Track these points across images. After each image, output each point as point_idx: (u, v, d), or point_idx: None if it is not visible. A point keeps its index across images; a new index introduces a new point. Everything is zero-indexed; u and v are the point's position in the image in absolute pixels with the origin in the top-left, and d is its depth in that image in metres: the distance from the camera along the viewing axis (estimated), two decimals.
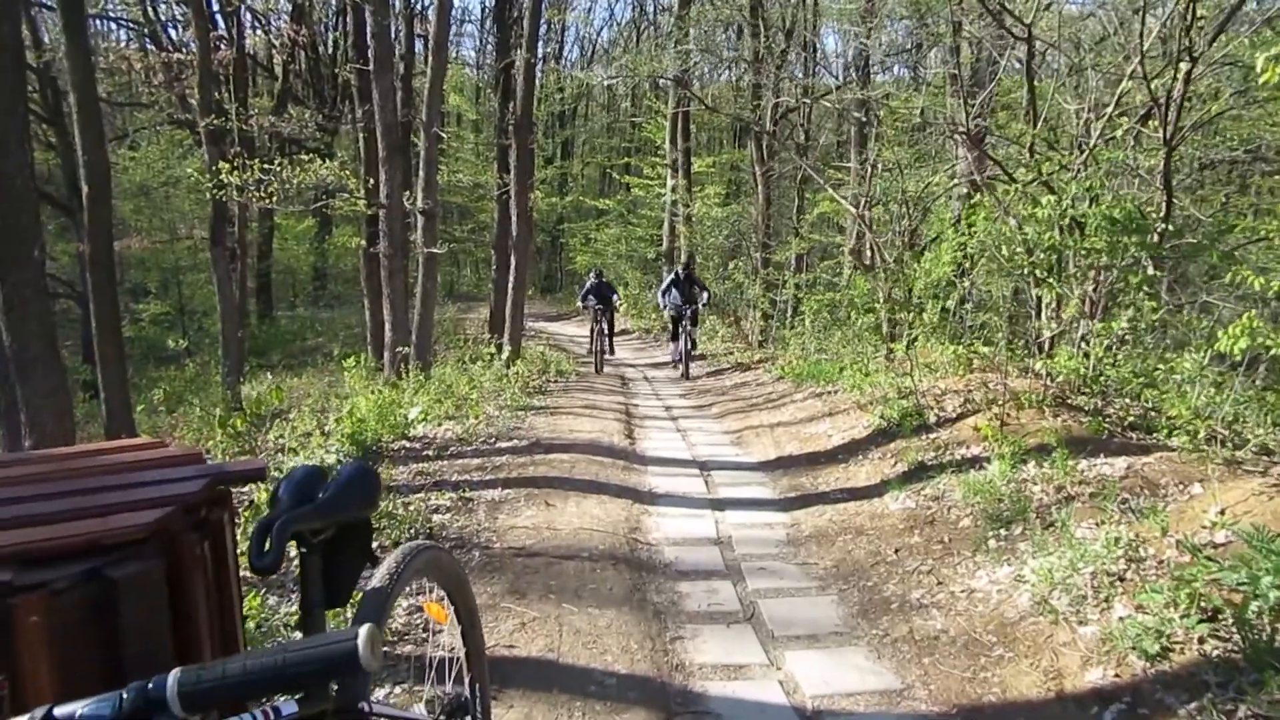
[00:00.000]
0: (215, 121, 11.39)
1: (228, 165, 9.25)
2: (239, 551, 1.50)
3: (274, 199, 10.28)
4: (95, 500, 1.32)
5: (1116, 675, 2.65)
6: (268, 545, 1.27)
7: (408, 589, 1.86)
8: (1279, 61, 2.74)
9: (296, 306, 25.35)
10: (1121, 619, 2.86)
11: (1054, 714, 2.61)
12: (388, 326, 10.77)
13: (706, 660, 3.08)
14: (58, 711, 0.75)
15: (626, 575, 3.81)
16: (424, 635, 3.00)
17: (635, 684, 2.89)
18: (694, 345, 11.98)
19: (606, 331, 12.79)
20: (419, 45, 19.28)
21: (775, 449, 6.18)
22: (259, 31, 22.59)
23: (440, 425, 7.16)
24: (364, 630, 0.77)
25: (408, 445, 6.45)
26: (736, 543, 4.32)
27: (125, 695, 0.75)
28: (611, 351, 13.12)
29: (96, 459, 1.56)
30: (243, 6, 17.29)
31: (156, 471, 1.45)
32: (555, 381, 10.69)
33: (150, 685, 0.76)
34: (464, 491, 4.91)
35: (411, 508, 4.52)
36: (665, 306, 12.25)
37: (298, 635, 2.42)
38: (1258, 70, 2.96)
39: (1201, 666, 2.53)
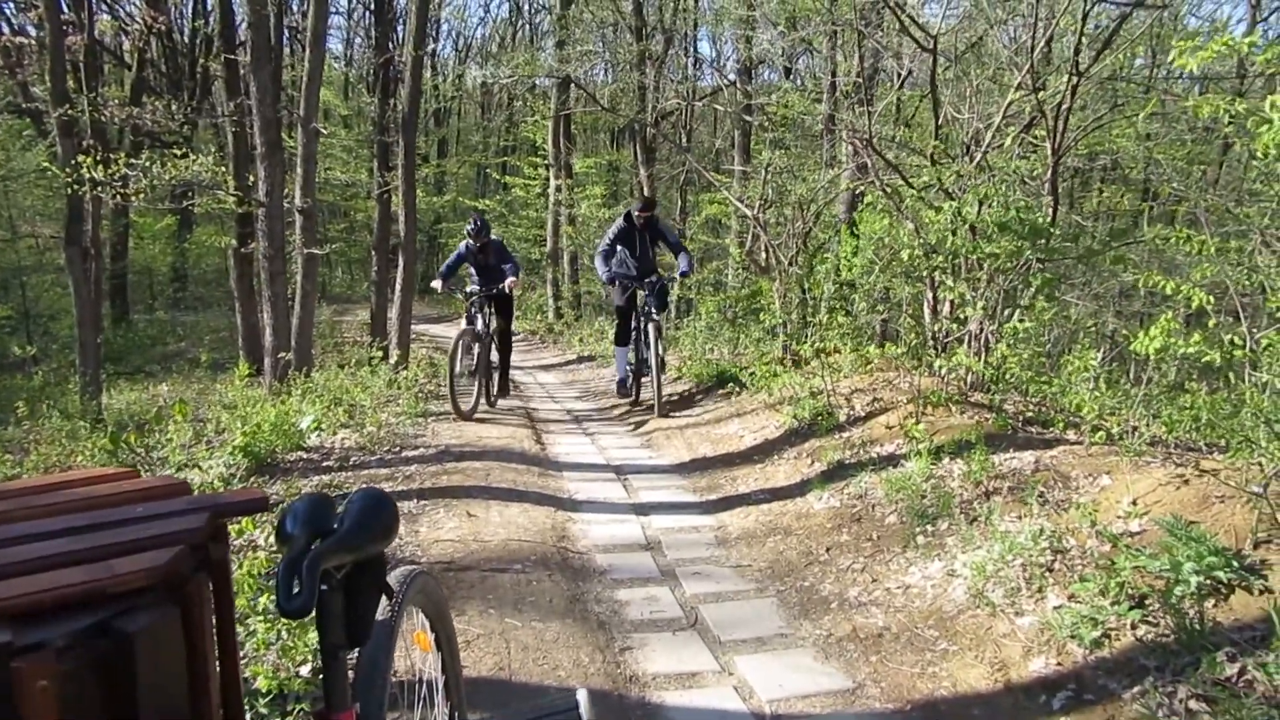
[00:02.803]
0: (70, 112, 10.55)
1: (89, 159, 8.58)
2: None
3: (140, 196, 9.63)
4: (90, 541, 1.17)
5: (1059, 664, 2.77)
6: (296, 586, 1.15)
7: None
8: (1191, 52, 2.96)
9: (155, 310, 23.85)
10: (1056, 608, 3.00)
11: (1005, 705, 2.70)
12: (268, 331, 10.25)
13: (659, 670, 3.05)
14: None
15: (564, 585, 3.74)
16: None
17: (593, 698, 2.82)
18: (663, 361, 7.57)
19: (491, 340, 7.74)
20: (287, 37, 18.50)
21: (688, 451, 6.21)
22: (108, 16, 21.09)
23: (336, 434, 6.87)
24: (582, 695, 0.70)
25: (305, 456, 6.15)
26: (666, 547, 4.31)
27: None
28: (503, 389, 8.21)
29: (70, 492, 1.39)
30: None
31: (147, 506, 1.30)
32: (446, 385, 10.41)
33: None
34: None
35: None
36: (608, 281, 7.83)
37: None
38: (1170, 59, 3.17)
39: (1138, 651, 2.68)
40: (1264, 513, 2.92)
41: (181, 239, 24.00)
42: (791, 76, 16.95)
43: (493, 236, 8.00)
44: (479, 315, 7.78)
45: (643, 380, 7.97)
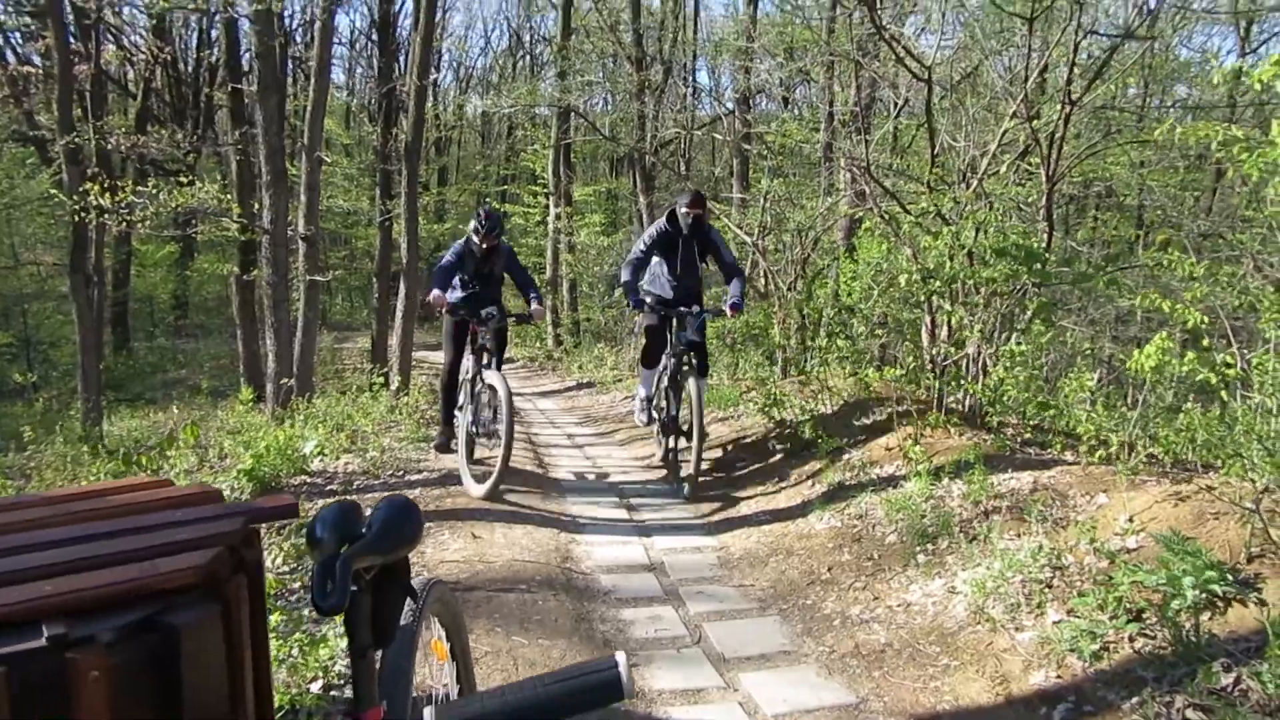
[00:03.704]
0: (77, 139, 10.69)
1: (97, 186, 8.70)
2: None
3: (145, 223, 9.75)
4: (133, 543, 1.23)
5: (1059, 676, 2.82)
6: (329, 586, 1.22)
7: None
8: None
9: (156, 337, 23.91)
10: (1056, 623, 3.04)
11: (1006, 718, 2.74)
12: (270, 357, 10.32)
13: (664, 686, 3.09)
14: None
15: (569, 605, 3.78)
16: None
17: (599, 713, 2.86)
18: (692, 412, 5.45)
19: (495, 387, 5.40)
20: (291, 67, 18.76)
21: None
22: (113, 47, 21.37)
23: (339, 459, 6.91)
24: (620, 657, 0.76)
25: (308, 480, 6.19)
26: (670, 568, 4.35)
27: None
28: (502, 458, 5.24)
29: (111, 499, 1.45)
30: (100, 21, 16.35)
31: (185, 511, 1.36)
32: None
33: None
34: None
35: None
36: (635, 304, 5.88)
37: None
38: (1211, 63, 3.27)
39: (1136, 663, 2.73)
40: (1257, 528, 2.98)
41: (183, 267, 24.13)
42: (789, 106, 17.19)
43: (500, 234, 6.01)
44: (474, 344, 5.86)
45: (676, 446, 5.99)
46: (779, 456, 5.98)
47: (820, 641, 3.45)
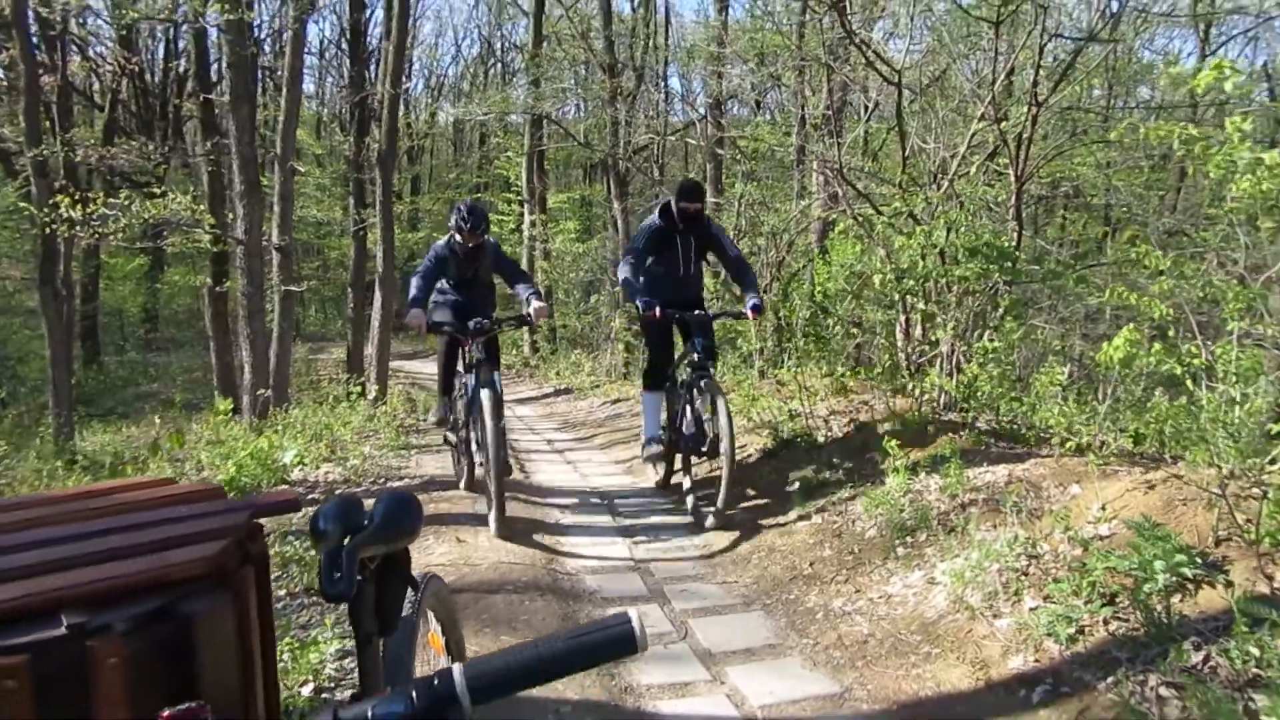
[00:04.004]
0: (44, 152, 10.59)
1: (67, 199, 8.63)
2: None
3: (118, 236, 9.67)
4: (145, 537, 1.26)
5: (1036, 660, 2.90)
6: (336, 574, 1.26)
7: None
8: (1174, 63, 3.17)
9: (127, 351, 23.63)
10: (1032, 609, 3.12)
11: (986, 701, 2.82)
12: (246, 368, 10.28)
13: (653, 681, 3.14)
14: (343, 714, 0.75)
15: (555, 605, 3.82)
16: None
17: (590, 709, 2.91)
18: (721, 432, 4.78)
19: (488, 412, 4.68)
20: (260, 76, 18.64)
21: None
22: (79, 58, 21.14)
23: (319, 468, 6.91)
24: (634, 613, 0.81)
25: (289, 489, 6.19)
26: (654, 567, 4.40)
27: (414, 694, 0.76)
28: (498, 509, 4.66)
29: (119, 496, 1.49)
30: (66, 32, 16.19)
31: (191, 507, 1.39)
32: (425, 420, 10.47)
33: (437, 682, 0.77)
34: None
35: (314, 553, 4.35)
36: (648, 302, 5.04)
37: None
38: (1162, 73, 3.37)
39: (1111, 645, 2.81)
40: (1223, 512, 3.08)
41: (153, 279, 23.88)
42: (761, 110, 17.33)
43: (484, 231, 5.32)
44: (468, 357, 5.21)
45: (688, 461, 5.27)
46: (758, 456, 6.04)
47: (804, 634, 3.51)
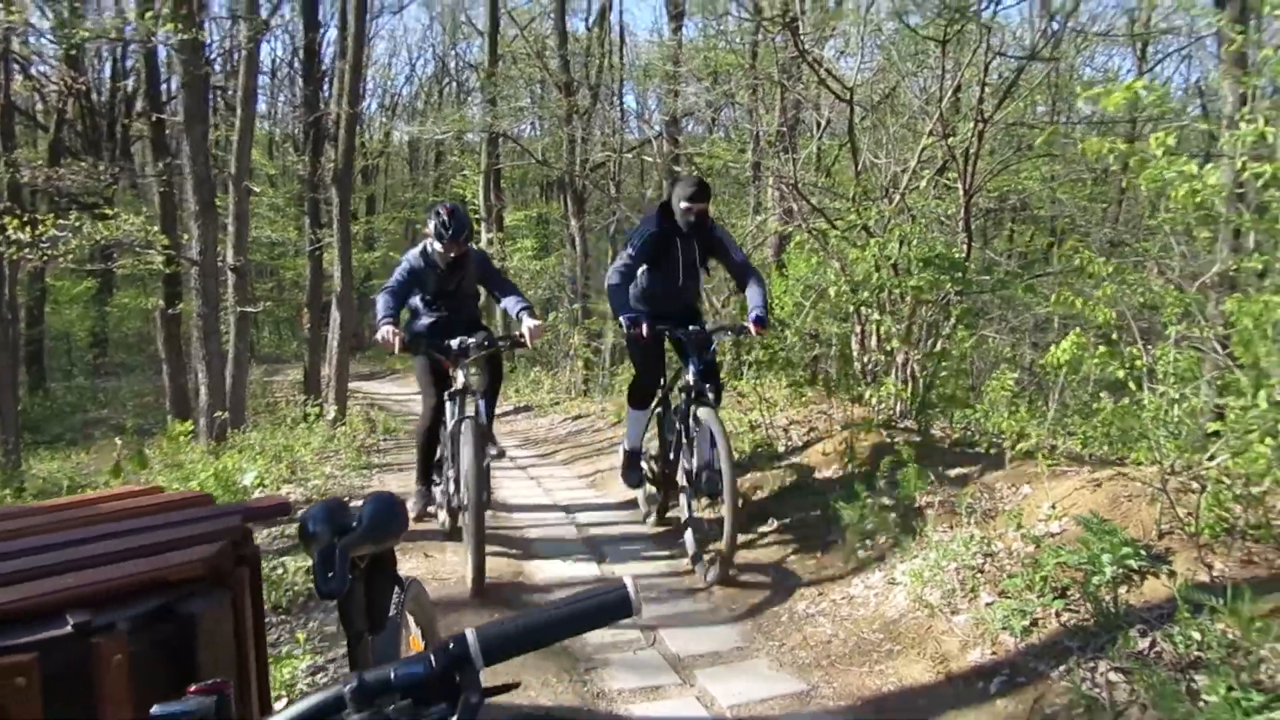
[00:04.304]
0: None
1: (15, 221, 8.48)
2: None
3: (67, 257, 9.53)
4: (144, 540, 1.30)
5: (994, 653, 3.01)
6: (330, 572, 1.31)
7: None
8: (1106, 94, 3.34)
9: (75, 376, 23.12)
10: (989, 605, 3.24)
11: (947, 694, 2.92)
12: (203, 390, 10.16)
13: (624, 686, 3.19)
14: (368, 675, 0.81)
15: None
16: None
17: (565, 714, 2.96)
18: (722, 472, 4.09)
19: (467, 444, 4.15)
20: (211, 96, 18.45)
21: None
22: (21, 77, 20.72)
23: (280, 489, 6.86)
24: (628, 580, 0.88)
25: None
26: (622, 575, 4.44)
27: (433, 656, 0.82)
28: (475, 566, 4.01)
29: (113, 504, 1.52)
30: (8, 51, 15.90)
31: (183, 512, 1.43)
32: (387, 440, 10.44)
33: (452, 645, 0.83)
34: None
35: (279, 571, 4.34)
36: (630, 325, 4.38)
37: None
38: (1075, 103, 3.54)
39: (1063, 635, 2.93)
40: (1166, 507, 3.23)
41: (102, 302, 23.42)
42: (715, 128, 17.56)
43: (473, 245, 4.91)
44: (450, 386, 4.57)
45: (686, 501, 4.58)
46: None
47: (770, 637, 3.59)
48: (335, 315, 12.02)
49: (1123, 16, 14.91)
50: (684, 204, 4.56)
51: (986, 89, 5.83)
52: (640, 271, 4.72)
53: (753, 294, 4.66)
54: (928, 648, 3.19)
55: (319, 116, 14.83)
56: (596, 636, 3.68)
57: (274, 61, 30.17)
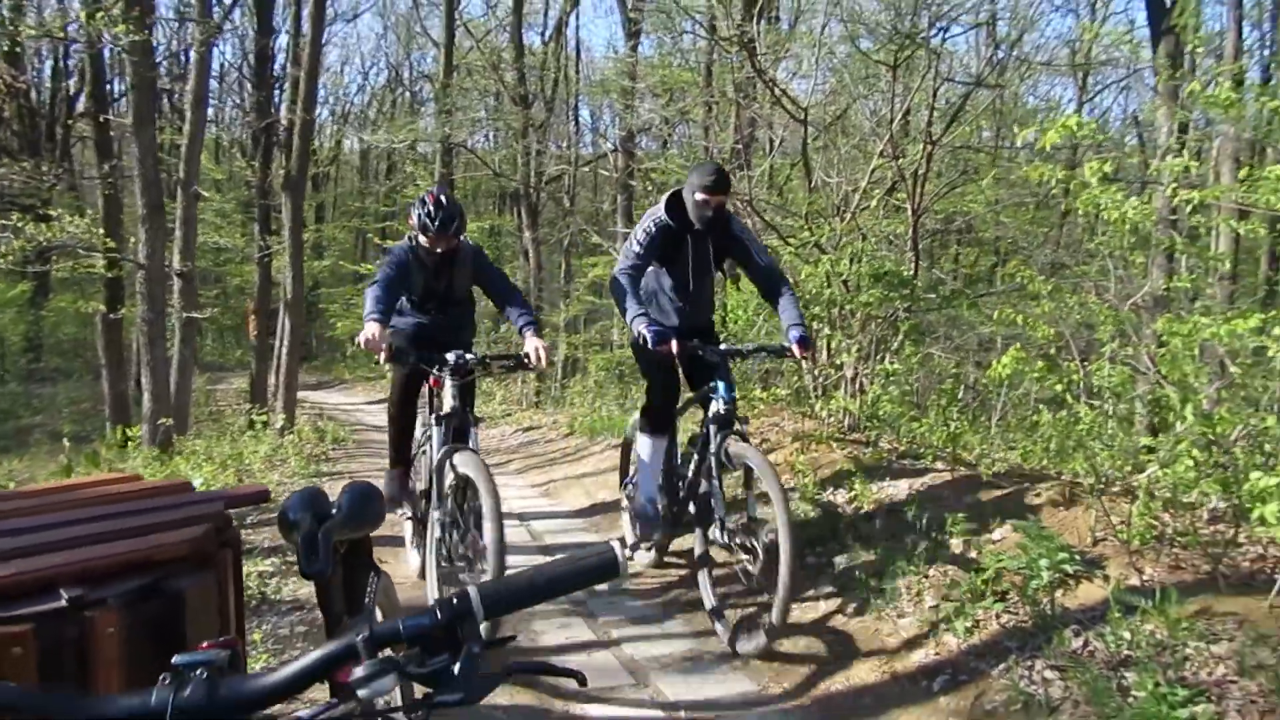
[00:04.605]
0: None
1: None
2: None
3: (6, 259, 9.31)
4: (132, 523, 1.33)
5: (937, 653, 3.13)
6: (314, 555, 1.36)
7: None
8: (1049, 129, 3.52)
9: (7, 382, 22.39)
10: (933, 608, 3.37)
11: (892, 692, 3.03)
12: (146, 397, 9.94)
13: (578, 686, 3.24)
14: (378, 628, 0.87)
15: None
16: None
17: (521, 713, 3.00)
18: (779, 524, 3.28)
19: (474, 481, 3.29)
20: (157, 98, 18.14)
21: (588, 498, 6.43)
22: None
23: None
24: (615, 544, 0.95)
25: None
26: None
27: (438, 609, 0.89)
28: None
29: (97, 490, 1.55)
30: None
31: (166, 498, 1.46)
32: (335, 449, 10.37)
33: (456, 600, 0.89)
34: (285, 556, 4.73)
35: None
36: (658, 330, 3.62)
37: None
38: (1015, 137, 3.71)
39: (1002, 636, 3.07)
40: (1099, 515, 3.39)
41: (37, 306, 22.75)
42: (669, 145, 17.76)
43: (466, 238, 4.15)
44: (435, 406, 3.90)
45: (701, 535, 3.91)
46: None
47: (723, 641, 3.67)
48: (286, 322, 11.88)
49: (1065, 48, 15.47)
50: (700, 195, 3.76)
51: (935, 113, 6.04)
52: (651, 271, 4.03)
53: (787, 308, 3.92)
54: (875, 649, 3.30)
55: (271, 122, 14.68)
56: (552, 638, 3.74)
57: (223, 66, 29.64)
